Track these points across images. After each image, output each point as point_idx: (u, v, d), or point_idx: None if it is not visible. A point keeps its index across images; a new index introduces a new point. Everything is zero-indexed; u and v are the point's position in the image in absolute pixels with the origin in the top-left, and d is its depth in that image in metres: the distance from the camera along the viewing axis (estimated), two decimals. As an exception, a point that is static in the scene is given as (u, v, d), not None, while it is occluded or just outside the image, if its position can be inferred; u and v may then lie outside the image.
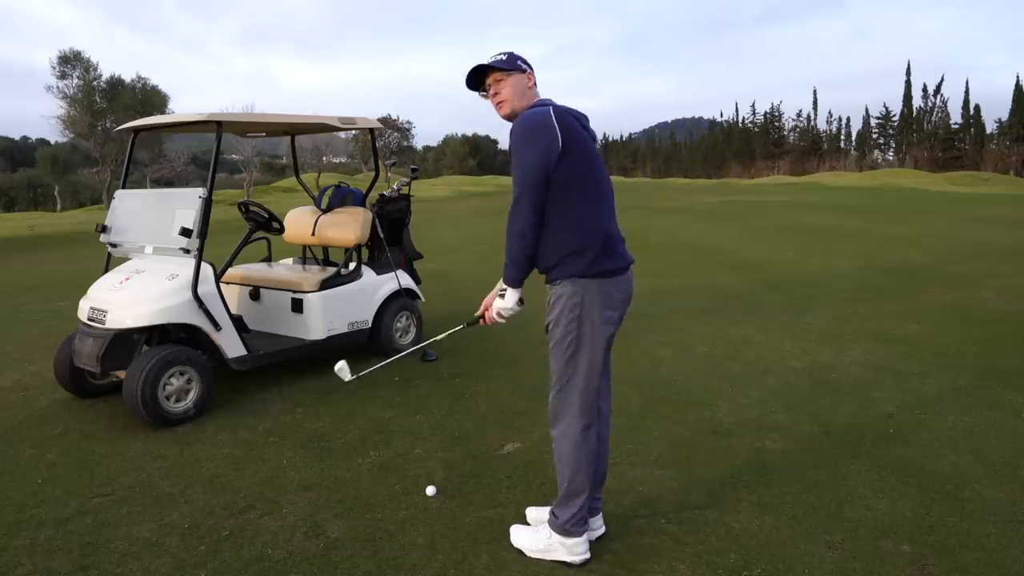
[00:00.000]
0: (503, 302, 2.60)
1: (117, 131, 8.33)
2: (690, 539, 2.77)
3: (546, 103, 2.51)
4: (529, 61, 2.60)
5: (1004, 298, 7.23)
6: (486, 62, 2.55)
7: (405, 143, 75.16)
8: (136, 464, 3.60)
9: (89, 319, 4.27)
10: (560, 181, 2.40)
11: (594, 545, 2.69)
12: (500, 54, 2.58)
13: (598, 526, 2.78)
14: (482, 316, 2.74)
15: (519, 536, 2.72)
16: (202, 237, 4.25)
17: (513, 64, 2.55)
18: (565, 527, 2.57)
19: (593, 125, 2.62)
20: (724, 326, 6.23)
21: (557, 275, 2.48)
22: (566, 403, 2.54)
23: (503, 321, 2.66)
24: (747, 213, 19.74)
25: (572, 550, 2.58)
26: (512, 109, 2.53)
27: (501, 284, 2.60)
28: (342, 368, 3.07)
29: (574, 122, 2.48)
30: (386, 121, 68.96)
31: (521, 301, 2.61)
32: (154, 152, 42.98)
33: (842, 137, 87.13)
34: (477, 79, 2.59)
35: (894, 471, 3.30)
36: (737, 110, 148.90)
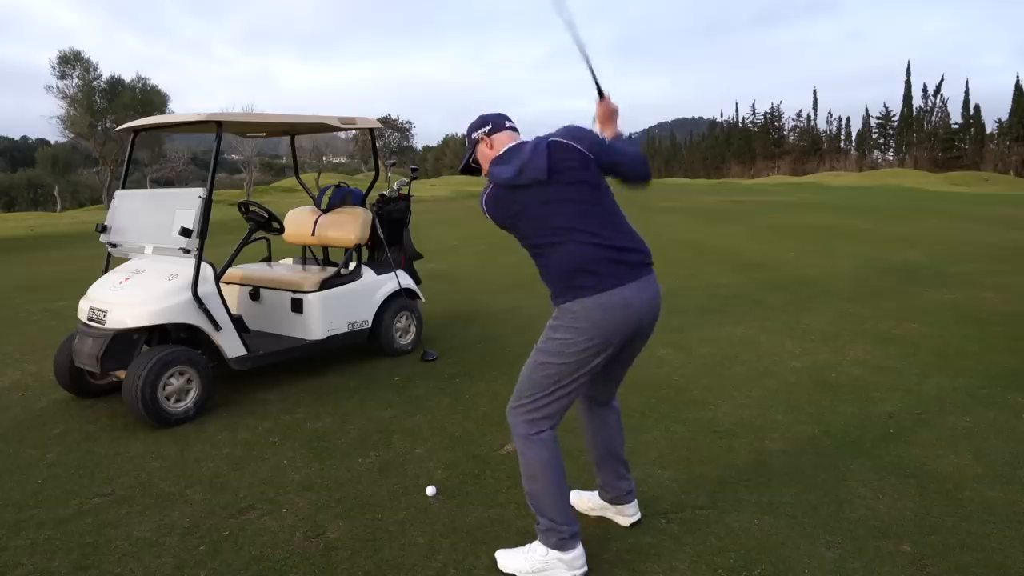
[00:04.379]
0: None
1: (117, 131, 8.33)
2: (690, 539, 2.76)
3: (495, 163, 2.58)
4: (488, 118, 2.68)
5: (1004, 298, 7.22)
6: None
7: (405, 143, 75.25)
8: (136, 464, 3.60)
9: (89, 319, 4.27)
10: (524, 230, 2.53)
11: (594, 545, 2.69)
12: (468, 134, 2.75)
13: (633, 512, 2.86)
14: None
15: (508, 559, 2.59)
16: (202, 237, 4.25)
17: (471, 143, 2.70)
18: (561, 537, 2.48)
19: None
20: (724, 326, 6.23)
21: (556, 302, 2.51)
22: (529, 412, 2.49)
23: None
24: (747, 213, 19.75)
25: (571, 564, 2.50)
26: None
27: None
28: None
29: (516, 181, 2.49)
30: (386, 121, 68.98)
31: None
32: (154, 152, 43.07)
33: (842, 137, 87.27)
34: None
35: (894, 471, 3.30)
36: (737, 110, 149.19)
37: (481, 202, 2.61)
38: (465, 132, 2.74)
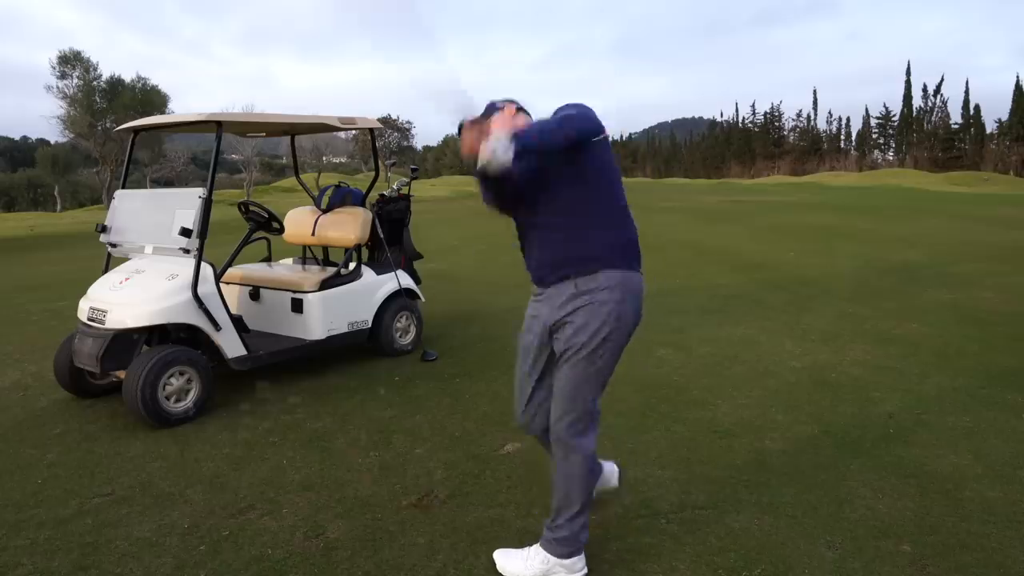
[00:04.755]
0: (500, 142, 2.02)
1: (117, 131, 8.33)
2: (690, 539, 2.76)
3: None
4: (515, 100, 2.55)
5: (1004, 298, 7.22)
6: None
7: (405, 143, 75.29)
8: (136, 464, 3.60)
9: (89, 319, 4.27)
10: (599, 165, 2.36)
11: (594, 545, 2.69)
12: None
13: (611, 474, 2.94)
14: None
15: (508, 561, 2.56)
16: (202, 237, 4.25)
17: (490, 109, 2.40)
18: (579, 538, 2.48)
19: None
20: (724, 326, 6.23)
21: (597, 266, 2.35)
22: (585, 419, 2.42)
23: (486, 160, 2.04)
24: (747, 213, 19.74)
25: (572, 568, 2.50)
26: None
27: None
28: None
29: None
30: (386, 121, 69.02)
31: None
32: (154, 152, 43.05)
33: (842, 137, 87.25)
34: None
35: (894, 471, 3.30)
36: (737, 110, 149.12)
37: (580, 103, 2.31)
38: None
